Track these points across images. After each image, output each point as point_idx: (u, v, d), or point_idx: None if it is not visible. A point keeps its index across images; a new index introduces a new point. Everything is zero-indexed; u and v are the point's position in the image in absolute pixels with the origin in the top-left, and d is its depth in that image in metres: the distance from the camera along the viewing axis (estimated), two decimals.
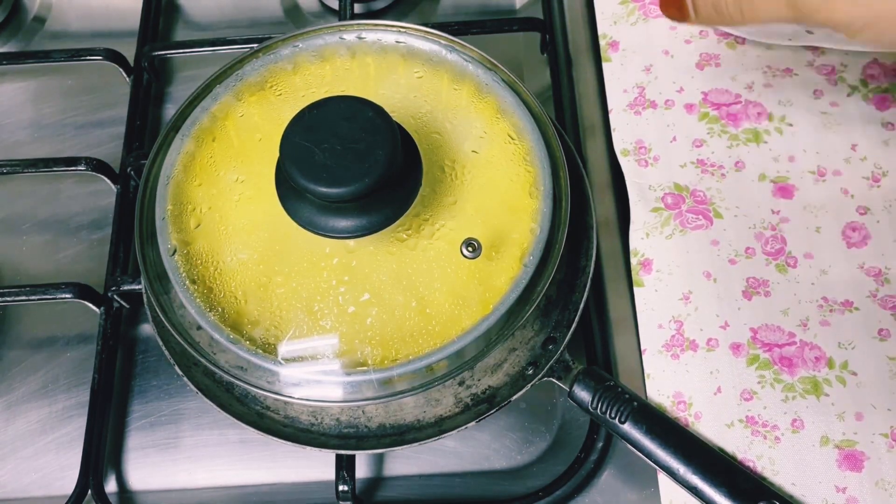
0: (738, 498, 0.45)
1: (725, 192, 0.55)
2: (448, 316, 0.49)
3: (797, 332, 0.51)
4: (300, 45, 0.56)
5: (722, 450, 0.49)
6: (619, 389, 0.49)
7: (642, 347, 0.52)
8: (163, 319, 0.49)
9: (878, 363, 0.49)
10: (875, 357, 0.50)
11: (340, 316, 0.49)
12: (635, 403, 0.49)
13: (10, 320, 0.63)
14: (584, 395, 0.50)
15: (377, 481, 0.57)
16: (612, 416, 0.48)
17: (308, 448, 0.50)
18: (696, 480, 0.46)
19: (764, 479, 0.48)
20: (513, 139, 0.54)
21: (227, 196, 0.52)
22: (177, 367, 0.51)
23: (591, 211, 0.54)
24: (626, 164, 0.57)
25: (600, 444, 0.55)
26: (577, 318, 0.52)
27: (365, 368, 0.47)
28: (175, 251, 0.50)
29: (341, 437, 0.51)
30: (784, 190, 0.55)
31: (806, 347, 0.50)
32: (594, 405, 0.49)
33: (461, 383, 0.52)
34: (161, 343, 0.52)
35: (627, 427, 0.48)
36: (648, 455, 0.48)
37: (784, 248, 0.53)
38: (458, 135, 0.55)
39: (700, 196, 0.56)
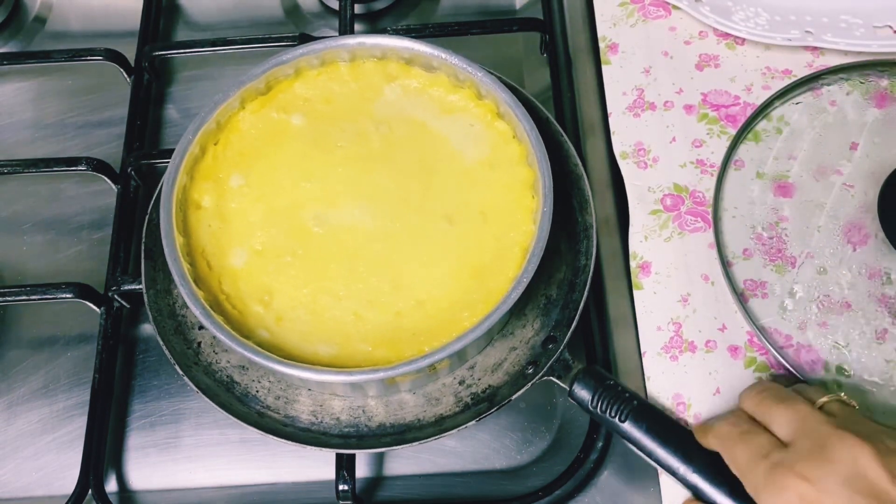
0: (739, 497, 0.45)
1: (724, 192, 0.55)
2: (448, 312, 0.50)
3: (794, 334, 0.51)
4: None
5: None
6: (620, 388, 0.49)
7: (642, 349, 0.52)
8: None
9: (876, 365, 0.49)
10: (872, 359, 0.50)
11: (342, 308, 0.50)
12: (635, 402, 0.49)
13: (11, 320, 0.63)
14: (584, 393, 0.49)
15: (377, 481, 0.57)
16: (612, 414, 0.48)
17: (308, 447, 0.51)
18: (696, 479, 0.46)
19: None
20: (512, 140, 0.54)
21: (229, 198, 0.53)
22: (177, 367, 0.51)
23: (591, 210, 0.54)
24: (626, 167, 0.57)
25: (600, 444, 0.55)
26: (577, 317, 0.52)
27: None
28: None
29: (342, 437, 0.51)
30: (784, 189, 0.55)
31: (803, 350, 0.50)
32: (594, 404, 0.49)
33: (461, 382, 0.52)
34: (162, 343, 0.52)
35: (627, 426, 0.48)
36: (649, 454, 0.48)
37: (783, 248, 0.53)
38: (458, 137, 0.55)
39: (699, 197, 0.56)
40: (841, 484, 0.39)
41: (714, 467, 0.46)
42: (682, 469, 0.47)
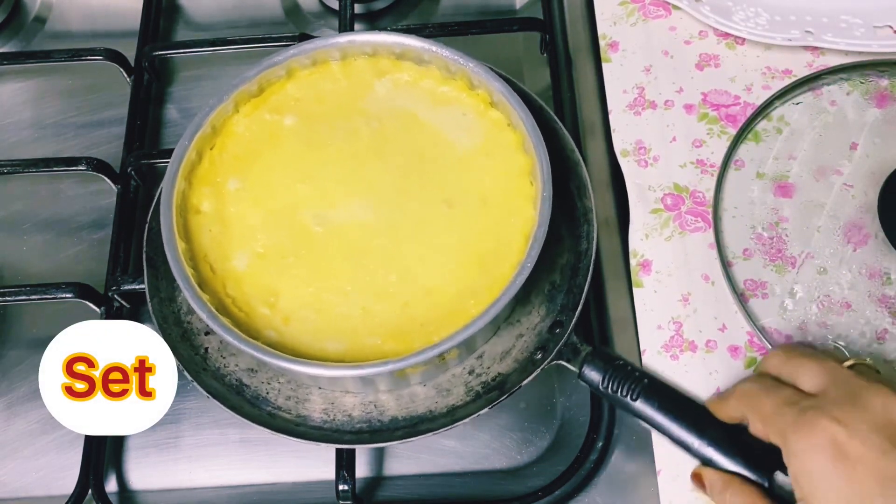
0: (756, 468, 0.45)
1: (724, 193, 0.55)
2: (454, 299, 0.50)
3: (795, 334, 0.51)
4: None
5: None
6: (629, 367, 0.49)
7: (641, 348, 0.52)
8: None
9: (876, 365, 0.49)
10: (873, 359, 0.49)
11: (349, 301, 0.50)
12: (646, 380, 0.48)
13: (11, 320, 0.63)
14: (593, 375, 0.49)
15: (377, 481, 0.57)
16: (624, 394, 0.48)
17: (322, 444, 0.50)
18: (711, 452, 0.46)
19: None
20: (507, 128, 0.54)
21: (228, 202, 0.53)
22: (186, 373, 0.51)
23: (589, 194, 0.54)
24: (626, 165, 0.57)
25: (600, 444, 0.55)
26: (582, 301, 0.52)
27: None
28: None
29: (354, 433, 0.51)
30: (784, 189, 0.55)
31: None
32: (605, 384, 0.49)
33: (471, 372, 0.52)
34: (169, 349, 0.52)
35: (639, 404, 0.48)
36: (662, 430, 0.47)
37: (783, 248, 0.53)
38: (451, 127, 0.55)
39: (699, 197, 0.56)
40: (872, 430, 0.39)
41: (728, 439, 0.46)
42: (697, 443, 0.46)
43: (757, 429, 0.43)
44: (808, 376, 0.43)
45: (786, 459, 0.41)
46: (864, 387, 0.41)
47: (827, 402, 0.41)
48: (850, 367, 0.44)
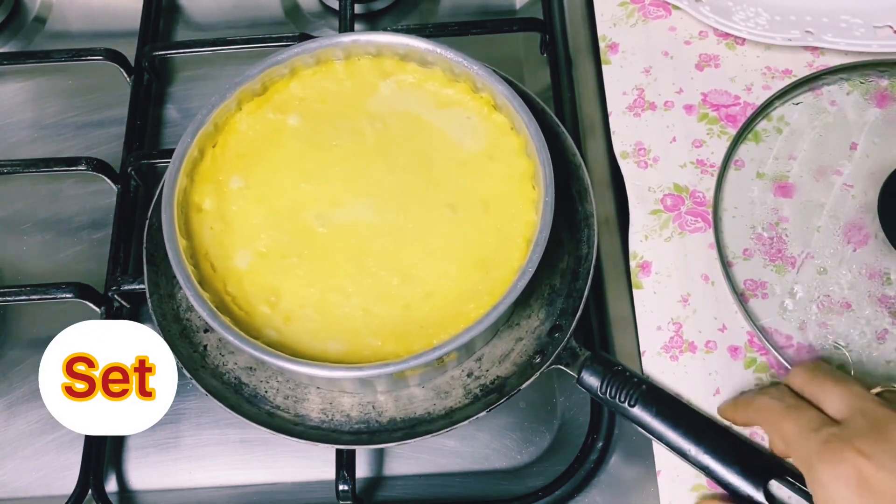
0: (751, 476, 0.45)
1: (724, 192, 0.55)
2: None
3: (794, 334, 0.51)
4: None
5: None
6: (628, 373, 0.49)
7: (641, 349, 0.52)
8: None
9: (876, 366, 0.49)
10: (872, 360, 0.50)
11: (349, 303, 0.50)
12: (644, 386, 0.48)
13: (11, 320, 0.63)
14: (592, 380, 0.49)
15: (377, 481, 0.57)
16: (622, 399, 0.48)
17: (320, 445, 0.50)
18: (707, 460, 0.46)
19: None
20: (510, 132, 0.54)
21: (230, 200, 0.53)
22: (185, 371, 0.51)
23: (591, 199, 0.54)
24: (626, 167, 0.57)
25: (600, 444, 0.55)
26: (581, 305, 0.52)
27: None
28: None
29: (353, 433, 0.51)
30: (784, 189, 0.55)
31: (803, 350, 0.50)
32: (603, 390, 0.49)
33: (470, 374, 0.52)
34: (168, 347, 0.52)
35: (637, 410, 0.48)
36: (659, 437, 0.48)
37: (783, 248, 0.53)
38: (455, 130, 0.55)
39: (699, 197, 0.56)
40: None
41: (725, 447, 0.46)
42: (693, 451, 0.47)
43: (778, 448, 0.43)
44: (833, 400, 0.43)
45: (809, 487, 0.41)
46: (890, 417, 0.41)
47: (851, 431, 0.41)
48: (878, 394, 0.44)
